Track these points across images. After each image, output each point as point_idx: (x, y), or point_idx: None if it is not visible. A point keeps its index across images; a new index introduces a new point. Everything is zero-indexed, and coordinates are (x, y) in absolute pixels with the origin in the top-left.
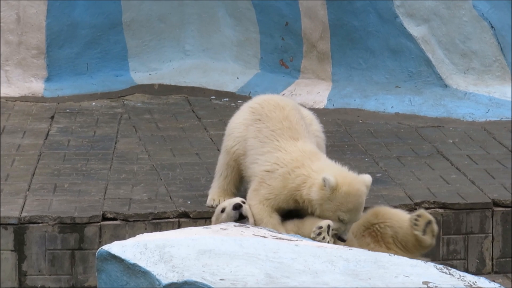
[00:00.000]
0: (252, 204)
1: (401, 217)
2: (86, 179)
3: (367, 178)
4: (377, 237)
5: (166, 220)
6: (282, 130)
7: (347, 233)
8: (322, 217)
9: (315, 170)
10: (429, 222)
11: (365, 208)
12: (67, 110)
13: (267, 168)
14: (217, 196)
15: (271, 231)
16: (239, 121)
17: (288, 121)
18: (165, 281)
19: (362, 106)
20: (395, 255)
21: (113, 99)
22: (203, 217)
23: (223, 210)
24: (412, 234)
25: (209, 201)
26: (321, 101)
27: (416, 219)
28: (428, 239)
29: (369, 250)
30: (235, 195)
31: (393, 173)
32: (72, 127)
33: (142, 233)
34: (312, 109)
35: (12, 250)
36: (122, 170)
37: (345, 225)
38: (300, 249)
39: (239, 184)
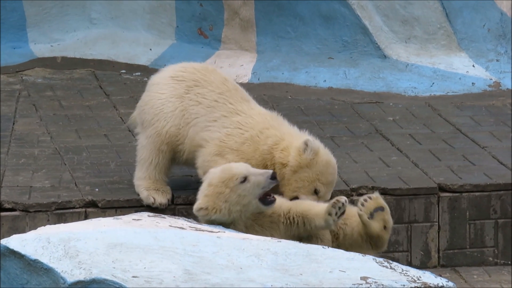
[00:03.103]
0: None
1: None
2: None
3: None
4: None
5: (71, 210)
6: (229, 92)
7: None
8: (292, 186)
9: (287, 133)
10: (380, 209)
11: None
12: None
13: (228, 132)
14: (152, 189)
15: (189, 221)
16: (165, 96)
17: (229, 82)
18: (70, 279)
19: (291, 80)
20: (330, 248)
21: (10, 74)
22: (113, 207)
23: (244, 180)
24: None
25: (146, 198)
26: (245, 75)
27: (365, 200)
28: (376, 226)
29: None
30: (167, 184)
31: None
32: None
33: (45, 225)
34: None
35: None
36: (21, 154)
37: (317, 199)
38: (222, 242)
39: (169, 172)
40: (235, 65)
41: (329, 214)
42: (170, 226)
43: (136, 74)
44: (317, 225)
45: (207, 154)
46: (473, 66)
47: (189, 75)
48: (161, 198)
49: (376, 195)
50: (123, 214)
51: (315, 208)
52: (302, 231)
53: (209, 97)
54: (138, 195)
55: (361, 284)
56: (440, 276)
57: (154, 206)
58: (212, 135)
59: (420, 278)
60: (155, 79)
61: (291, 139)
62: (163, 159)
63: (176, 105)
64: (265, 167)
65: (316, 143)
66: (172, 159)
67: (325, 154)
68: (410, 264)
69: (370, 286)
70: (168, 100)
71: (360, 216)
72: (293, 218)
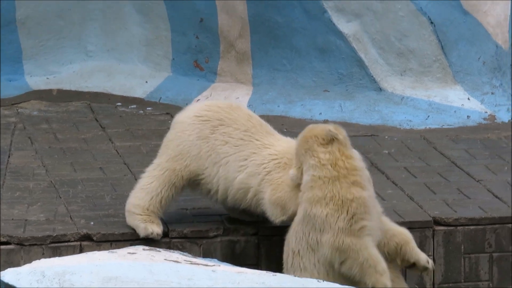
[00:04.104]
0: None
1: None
2: None
3: None
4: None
5: (66, 243)
6: (255, 128)
7: None
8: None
9: None
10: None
11: None
12: None
13: (265, 167)
14: (148, 222)
15: (184, 255)
16: (192, 138)
17: (254, 118)
18: None
19: (287, 113)
20: (325, 281)
21: (6, 106)
22: (108, 240)
23: None
24: None
25: (144, 229)
26: None
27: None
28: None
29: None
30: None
31: None
32: None
33: (39, 259)
34: None
35: None
36: (16, 187)
37: None
38: (217, 276)
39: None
40: (231, 97)
41: None
42: (165, 259)
43: (132, 106)
44: None
45: (269, 196)
46: (468, 99)
47: (214, 114)
48: (158, 229)
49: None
50: (118, 248)
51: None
52: None
53: (235, 136)
54: (131, 226)
55: None
56: None
57: (151, 237)
58: (253, 180)
59: None
60: (180, 117)
61: None
62: (171, 194)
63: (201, 147)
64: None
65: None
66: (178, 194)
67: None
68: None
69: None
70: (194, 143)
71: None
72: None
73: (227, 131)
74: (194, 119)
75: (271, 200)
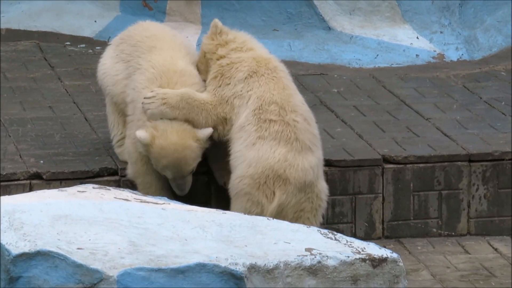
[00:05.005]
0: None
1: None
2: None
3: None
4: None
5: (16, 182)
6: (148, 43)
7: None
8: None
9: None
10: None
11: None
12: None
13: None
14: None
15: (134, 193)
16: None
17: (160, 35)
18: (15, 251)
19: None
20: (275, 219)
21: None
22: (58, 179)
23: None
24: None
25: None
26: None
27: None
28: None
29: None
30: None
31: None
32: None
33: None
34: None
35: None
36: None
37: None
38: (167, 214)
39: None
40: None
41: None
42: (115, 198)
43: (81, 46)
44: None
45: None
46: (417, 38)
47: (123, 34)
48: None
49: None
50: (68, 186)
51: None
52: None
53: (126, 52)
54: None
55: (306, 256)
56: (385, 247)
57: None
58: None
59: (364, 250)
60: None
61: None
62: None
63: (115, 68)
64: None
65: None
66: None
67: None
68: (354, 235)
69: (315, 257)
70: (113, 66)
71: None
72: None
73: (123, 48)
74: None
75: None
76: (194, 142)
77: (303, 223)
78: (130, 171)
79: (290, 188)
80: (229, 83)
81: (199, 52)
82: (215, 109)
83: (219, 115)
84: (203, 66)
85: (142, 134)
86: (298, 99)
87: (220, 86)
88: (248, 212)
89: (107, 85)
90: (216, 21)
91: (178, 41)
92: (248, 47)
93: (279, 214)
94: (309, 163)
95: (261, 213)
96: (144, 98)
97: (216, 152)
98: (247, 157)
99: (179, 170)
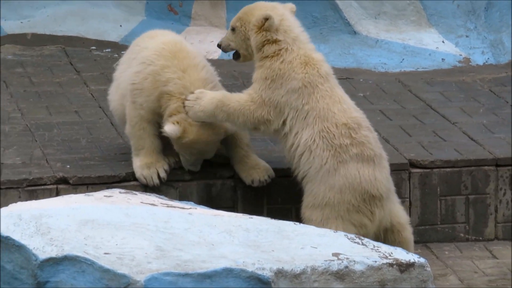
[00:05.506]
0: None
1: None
2: None
3: None
4: None
5: (42, 187)
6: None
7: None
8: None
9: None
10: None
11: None
12: None
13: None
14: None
15: (161, 198)
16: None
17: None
18: (42, 256)
19: None
20: (301, 224)
21: None
22: (85, 183)
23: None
24: None
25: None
26: (215, 51)
27: None
28: None
29: None
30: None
31: None
32: None
33: (16, 202)
34: None
35: None
36: None
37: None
38: (194, 218)
39: None
40: (205, 41)
41: None
42: (142, 202)
43: (106, 50)
44: None
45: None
46: (443, 42)
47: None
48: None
49: None
50: (95, 191)
51: None
52: None
53: (129, 56)
54: None
55: (333, 260)
56: (412, 252)
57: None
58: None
59: (391, 254)
60: None
61: None
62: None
63: None
64: None
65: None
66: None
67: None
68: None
69: (342, 262)
70: None
71: None
72: None
73: (129, 56)
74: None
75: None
76: (222, 136)
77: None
78: (127, 130)
79: (383, 201)
80: (281, 88)
81: (235, 31)
82: (256, 112)
83: (260, 118)
84: (241, 49)
85: (171, 128)
86: (354, 108)
87: (269, 88)
88: (354, 234)
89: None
90: (269, 15)
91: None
92: (298, 47)
93: (378, 227)
94: (387, 171)
95: (366, 234)
96: (187, 99)
97: (239, 152)
98: (335, 183)
99: (202, 157)
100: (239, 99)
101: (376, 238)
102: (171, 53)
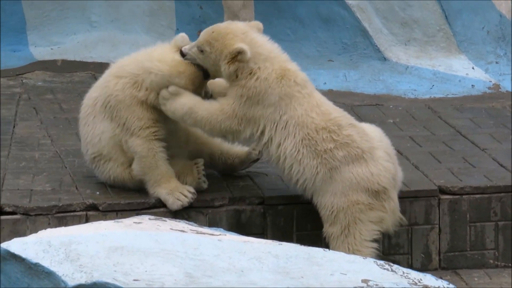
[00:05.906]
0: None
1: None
2: None
3: None
4: None
5: (72, 213)
6: None
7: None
8: None
9: None
10: None
11: None
12: None
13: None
14: None
15: (190, 224)
16: None
17: None
18: (71, 282)
19: None
20: (331, 251)
21: (11, 77)
22: (114, 210)
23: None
24: None
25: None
26: None
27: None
28: None
29: None
30: None
31: None
32: None
33: (45, 229)
34: None
35: None
36: (21, 158)
37: None
38: (223, 245)
39: None
40: None
41: None
42: (171, 229)
43: None
44: None
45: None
46: (473, 68)
47: None
48: None
49: None
50: (124, 217)
51: None
52: None
53: None
54: None
55: (362, 287)
56: (441, 278)
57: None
58: None
59: (421, 281)
60: None
61: None
62: None
63: None
64: None
65: None
66: None
67: None
68: (411, 266)
69: None
70: None
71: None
72: None
73: None
74: None
75: None
76: None
77: None
78: (136, 168)
79: (389, 193)
80: (258, 105)
81: (203, 53)
82: (223, 123)
83: (227, 128)
84: (209, 69)
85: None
86: (333, 109)
87: (245, 105)
88: (377, 232)
89: None
90: (242, 49)
91: None
92: (271, 63)
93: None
94: (385, 162)
95: (387, 229)
96: (163, 92)
97: (224, 153)
98: (335, 189)
99: None
100: (209, 107)
101: None
102: None
